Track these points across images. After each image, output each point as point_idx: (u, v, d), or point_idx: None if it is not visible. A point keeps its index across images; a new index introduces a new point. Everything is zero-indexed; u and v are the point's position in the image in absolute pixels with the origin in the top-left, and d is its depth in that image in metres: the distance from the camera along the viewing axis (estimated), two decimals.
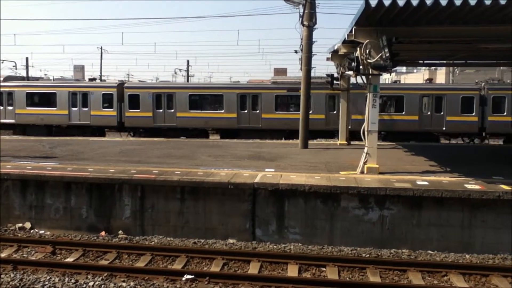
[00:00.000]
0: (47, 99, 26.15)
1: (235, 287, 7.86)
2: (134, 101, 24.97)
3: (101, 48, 62.90)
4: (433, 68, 47.21)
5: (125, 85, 25.98)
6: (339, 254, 9.60)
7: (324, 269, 8.66)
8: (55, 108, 25.89)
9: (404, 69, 70.04)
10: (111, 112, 25.32)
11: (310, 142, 18.51)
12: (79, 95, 25.62)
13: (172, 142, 20.61)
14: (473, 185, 10.11)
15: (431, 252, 9.68)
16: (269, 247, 9.96)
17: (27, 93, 26.34)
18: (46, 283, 7.88)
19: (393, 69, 14.73)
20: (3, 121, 26.54)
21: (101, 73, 66.39)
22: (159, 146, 18.00)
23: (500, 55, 16.89)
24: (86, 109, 25.51)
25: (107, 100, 25.46)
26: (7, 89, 26.60)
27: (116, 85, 25.77)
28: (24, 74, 51.44)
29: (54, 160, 13.50)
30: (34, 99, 26.45)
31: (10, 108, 26.49)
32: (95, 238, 10.60)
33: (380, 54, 11.07)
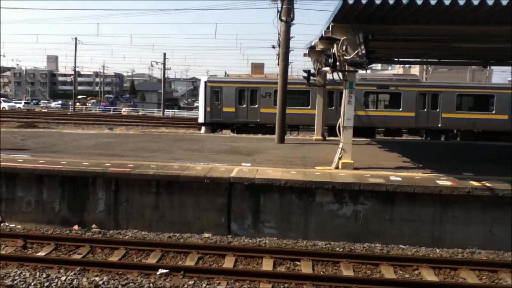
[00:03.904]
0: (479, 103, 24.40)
1: (210, 281, 7.85)
2: None
3: (76, 39, 61.72)
4: (407, 65, 47.97)
5: None
6: (313, 248, 9.70)
7: (298, 263, 8.74)
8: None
9: (379, 66, 71.09)
10: None
11: (293, 137, 18.67)
12: None
13: (148, 135, 20.43)
14: (444, 181, 10.35)
15: (403, 247, 9.88)
16: (245, 242, 9.99)
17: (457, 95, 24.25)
18: (17, 277, 7.71)
19: (368, 66, 14.91)
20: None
21: (75, 64, 65.23)
22: (134, 139, 17.79)
23: (473, 54, 17.34)
24: None
25: None
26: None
27: None
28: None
29: (26, 152, 13.19)
30: (464, 101, 24.36)
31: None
32: (68, 232, 10.42)
33: (356, 51, 11.21)
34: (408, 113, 24.03)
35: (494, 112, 24.04)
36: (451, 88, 24.61)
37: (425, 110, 24.06)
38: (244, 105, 24.66)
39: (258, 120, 24.41)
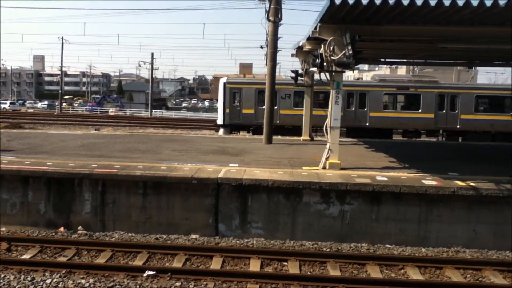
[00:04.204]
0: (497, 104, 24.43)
1: (197, 283, 7.84)
2: None
3: (62, 38, 61.17)
4: (394, 66, 48.36)
5: None
6: (300, 248, 9.74)
7: (285, 263, 8.76)
8: None
9: (366, 66, 71.56)
10: None
11: (281, 138, 18.71)
12: None
13: (135, 136, 20.32)
14: (429, 181, 10.46)
15: (389, 246, 9.96)
16: (232, 242, 9.99)
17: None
18: (0, 281, 7.61)
19: (355, 67, 15.01)
20: None
21: (62, 64, 64.61)
22: (121, 140, 17.68)
23: (458, 55, 17.52)
24: None
25: None
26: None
27: None
28: None
29: (11, 154, 13.02)
30: (482, 103, 24.65)
31: None
32: (54, 234, 10.32)
33: (343, 52, 11.27)
34: (427, 115, 24.23)
35: None
36: (469, 89, 24.97)
37: (444, 111, 24.25)
38: (264, 107, 24.40)
39: (278, 121, 23.92)
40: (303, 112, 23.01)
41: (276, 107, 23.71)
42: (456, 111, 24.21)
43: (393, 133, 25.58)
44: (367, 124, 23.96)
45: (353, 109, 23.94)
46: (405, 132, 25.28)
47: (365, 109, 24.15)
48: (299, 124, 23.62)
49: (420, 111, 24.20)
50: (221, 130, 25.26)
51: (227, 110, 24.57)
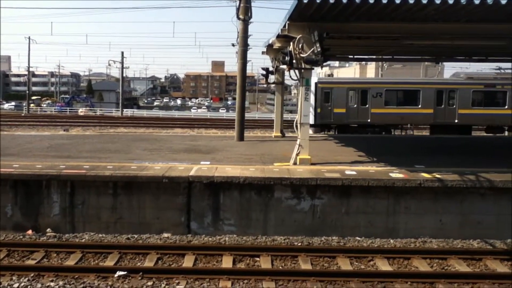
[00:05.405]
0: None
1: (169, 281, 7.83)
2: None
3: (29, 38, 59.52)
4: (363, 62, 49.10)
5: None
6: (272, 243, 9.83)
7: (258, 259, 8.84)
8: None
9: (337, 63, 72.45)
10: None
11: (253, 135, 18.74)
12: None
13: (106, 136, 20.02)
14: (397, 174, 10.71)
15: (359, 239, 10.16)
16: (204, 240, 10.00)
17: None
18: None
19: (325, 64, 15.18)
20: None
21: (29, 64, 62.96)
22: (91, 140, 17.40)
23: (424, 51, 17.94)
24: None
25: None
26: None
27: None
28: None
29: None
30: None
31: None
32: (21, 237, 10.10)
33: (312, 49, 11.40)
34: None
35: None
36: None
37: None
38: (355, 106, 24.10)
39: (369, 120, 23.98)
40: (394, 110, 23.58)
41: (367, 106, 23.90)
42: None
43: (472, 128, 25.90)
44: (456, 121, 24.30)
45: (442, 106, 24.26)
46: (488, 128, 25.67)
47: (454, 107, 24.41)
48: (390, 122, 24.27)
49: (506, 107, 24.51)
50: (310, 130, 25.08)
51: (318, 110, 24.21)
